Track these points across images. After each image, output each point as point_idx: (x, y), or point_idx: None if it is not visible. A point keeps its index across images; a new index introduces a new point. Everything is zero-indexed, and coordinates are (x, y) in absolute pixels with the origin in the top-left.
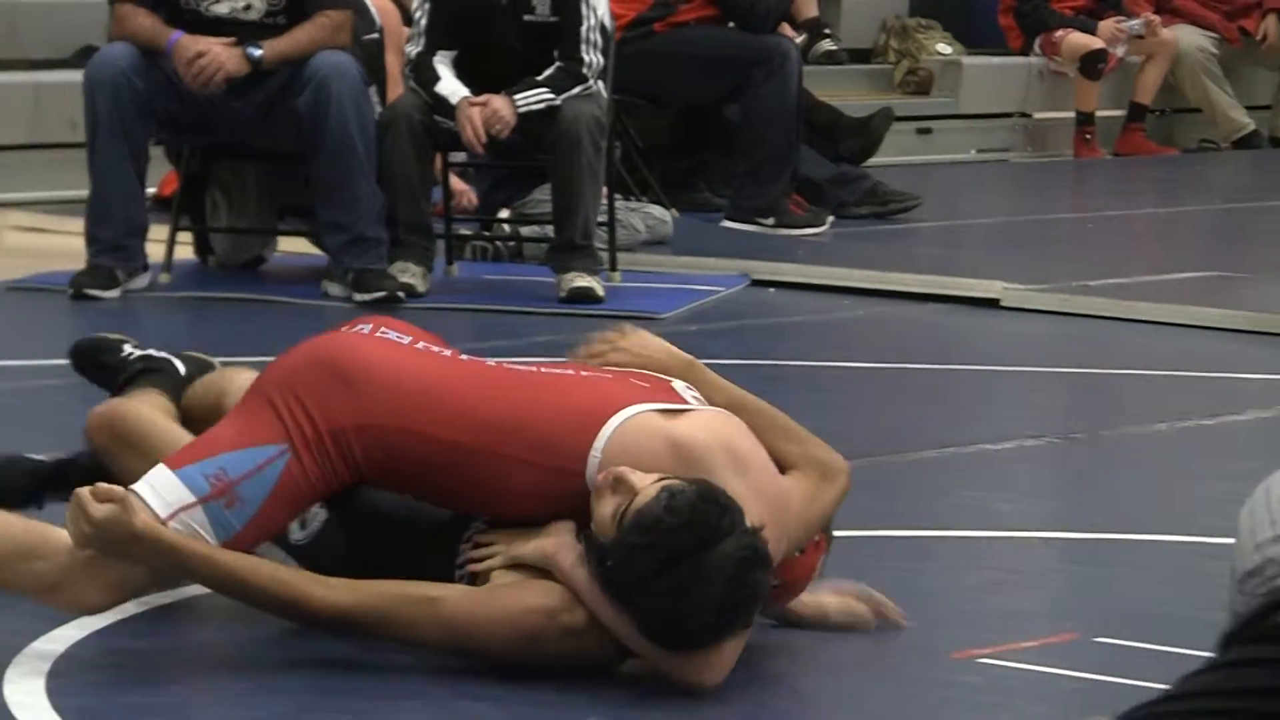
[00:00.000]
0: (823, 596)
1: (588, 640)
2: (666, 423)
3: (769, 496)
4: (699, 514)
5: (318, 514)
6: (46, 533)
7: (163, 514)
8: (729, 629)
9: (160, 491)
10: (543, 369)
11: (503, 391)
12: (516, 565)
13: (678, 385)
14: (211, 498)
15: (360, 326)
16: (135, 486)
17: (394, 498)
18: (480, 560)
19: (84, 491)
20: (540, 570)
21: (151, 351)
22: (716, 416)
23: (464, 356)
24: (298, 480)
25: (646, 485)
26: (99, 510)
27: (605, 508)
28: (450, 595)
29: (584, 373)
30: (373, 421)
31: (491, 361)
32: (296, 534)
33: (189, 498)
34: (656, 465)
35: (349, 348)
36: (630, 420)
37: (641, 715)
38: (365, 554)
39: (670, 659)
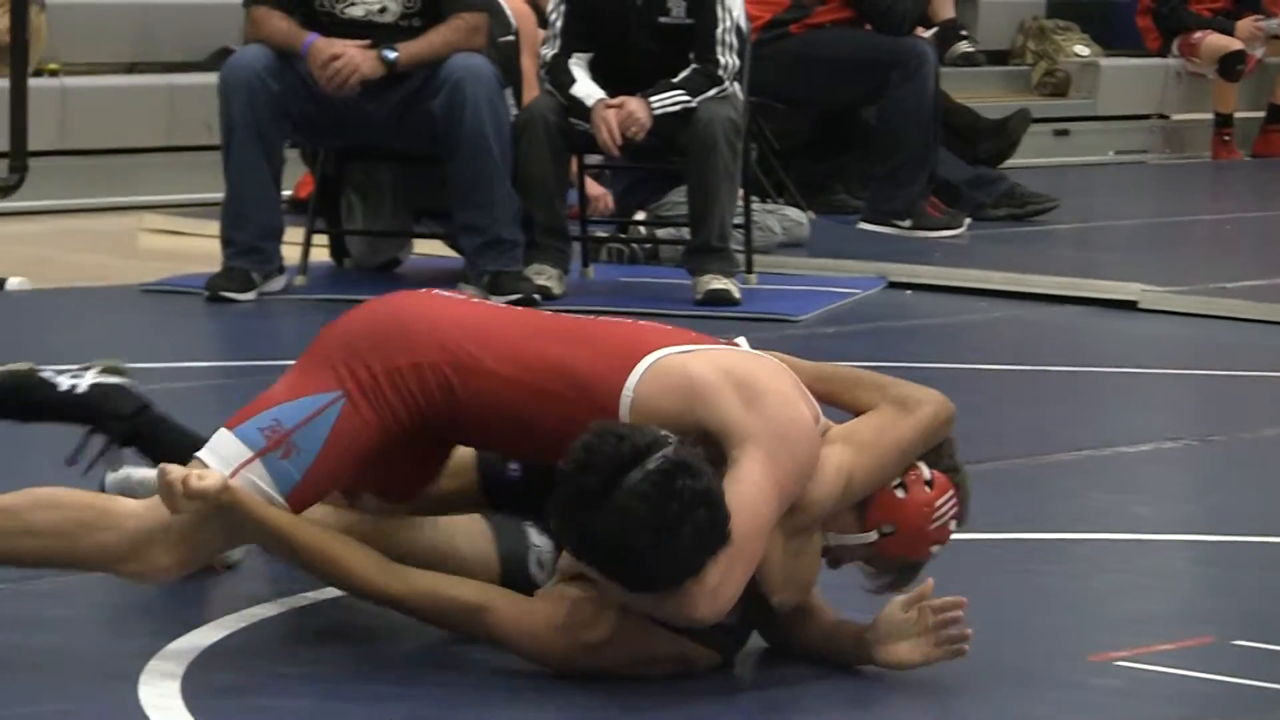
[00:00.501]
0: (899, 652)
1: (610, 655)
2: (683, 358)
3: (779, 425)
4: (590, 451)
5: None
6: (107, 504)
7: (225, 472)
8: (685, 549)
9: (219, 451)
10: (591, 318)
11: (548, 334)
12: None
13: (740, 341)
14: (268, 449)
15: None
16: (199, 453)
17: None
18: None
19: (175, 468)
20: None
21: (102, 381)
22: (737, 353)
23: None
24: (355, 426)
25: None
26: (205, 482)
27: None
28: (495, 605)
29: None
30: (427, 358)
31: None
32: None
33: (246, 452)
34: (672, 401)
35: (401, 298)
36: (658, 362)
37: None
38: None
39: (664, 603)
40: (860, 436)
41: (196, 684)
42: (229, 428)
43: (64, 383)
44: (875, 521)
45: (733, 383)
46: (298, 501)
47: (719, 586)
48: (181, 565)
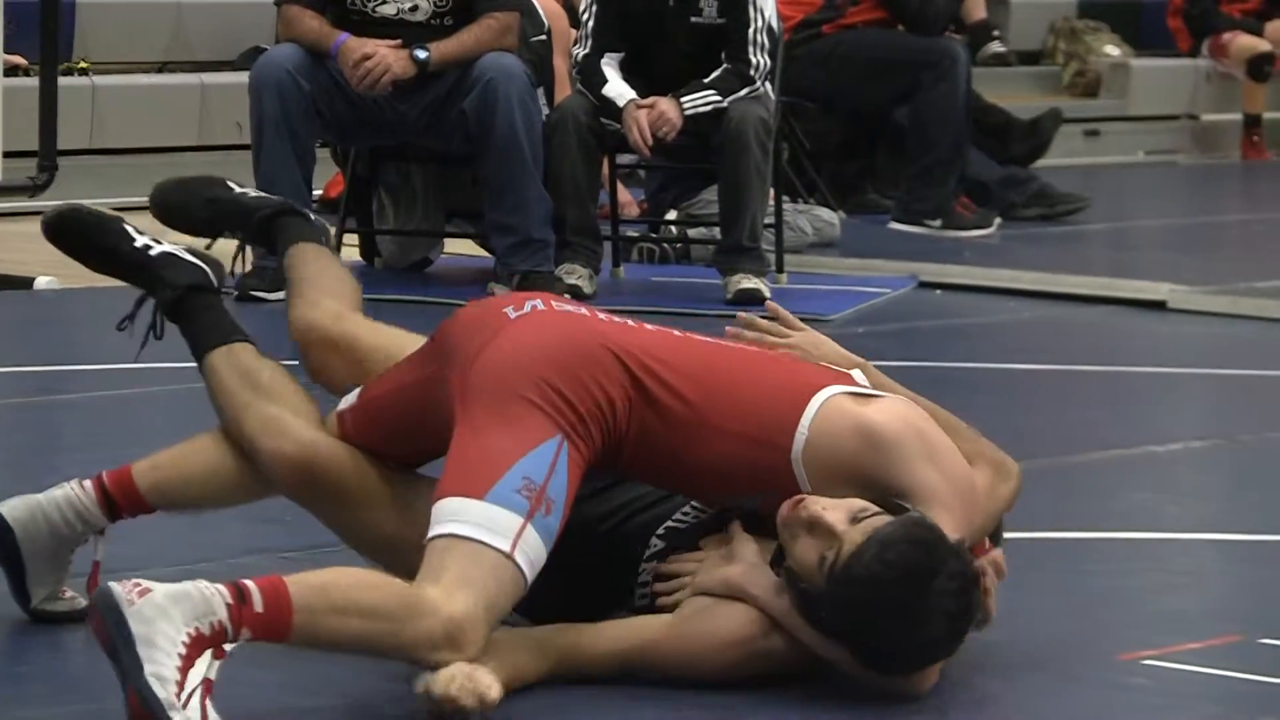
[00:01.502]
0: None
1: (787, 658)
2: (858, 407)
3: (960, 483)
4: (913, 564)
5: None
6: (419, 593)
7: (506, 548)
8: (950, 651)
9: (489, 525)
10: (745, 348)
11: (714, 360)
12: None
13: (857, 375)
14: (534, 511)
15: (533, 303)
16: (457, 530)
17: (574, 513)
18: (667, 593)
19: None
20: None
21: (176, 250)
22: (906, 403)
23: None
24: (577, 464)
25: (849, 531)
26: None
27: (807, 553)
28: (657, 639)
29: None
30: (618, 392)
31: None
32: None
33: (518, 520)
34: (848, 450)
35: (571, 326)
36: (829, 401)
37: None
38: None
39: (884, 680)
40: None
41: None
42: (477, 496)
43: (140, 240)
44: None
45: (916, 435)
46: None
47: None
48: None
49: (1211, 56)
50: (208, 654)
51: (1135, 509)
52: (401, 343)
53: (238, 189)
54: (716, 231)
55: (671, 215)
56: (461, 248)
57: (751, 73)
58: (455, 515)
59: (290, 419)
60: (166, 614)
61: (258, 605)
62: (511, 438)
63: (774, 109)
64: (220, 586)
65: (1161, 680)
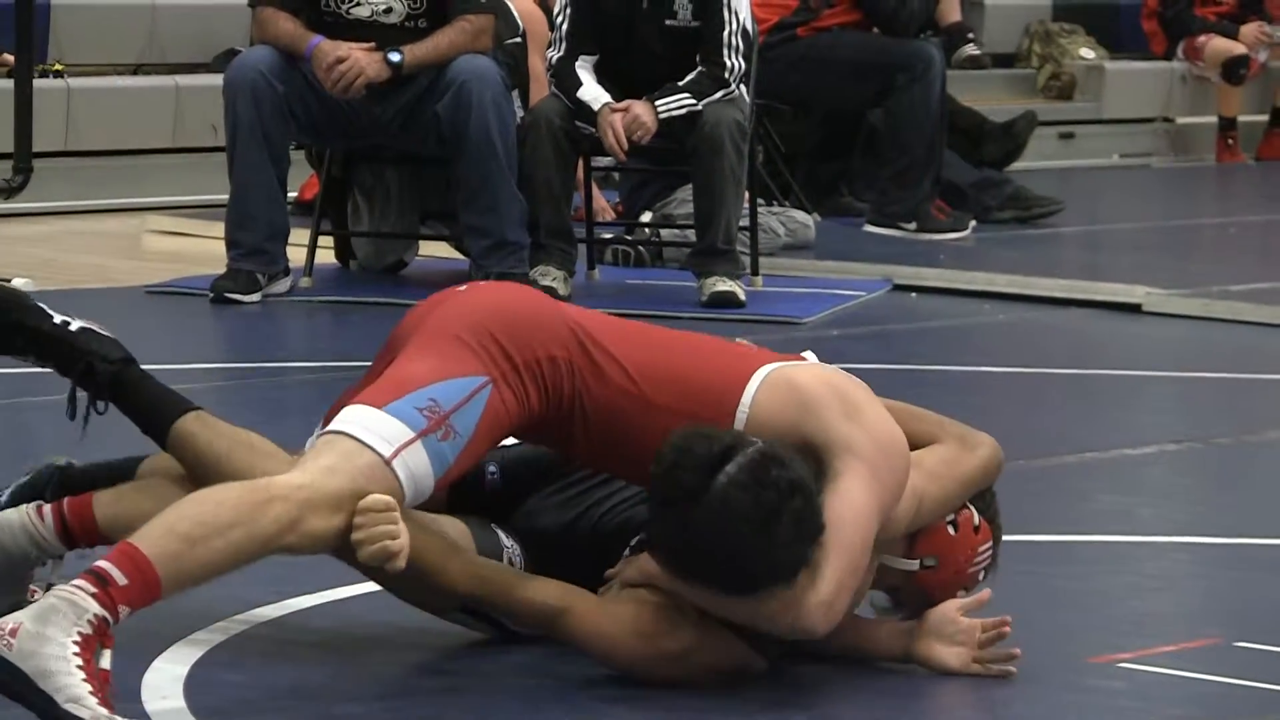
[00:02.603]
0: (942, 655)
1: (690, 663)
2: (790, 371)
3: (881, 439)
4: (682, 451)
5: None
6: (269, 481)
7: (386, 453)
8: (786, 539)
9: (377, 430)
10: (693, 334)
11: (664, 342)
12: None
13: (809, 355)
14: (429, 430)
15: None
16: (343, 427)
17: (555, 520)
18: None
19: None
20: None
21: (93, 326)
22: (835, 370)
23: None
24: (499, 413)
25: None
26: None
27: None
28: (575, 608)
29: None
30: (562, 354)
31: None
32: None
33: (408, 433)
34: (784, 414)
35: (532, 293)
36: (769, 376)
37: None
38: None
39: (771, 613)
40: (929, 465)
41: (199, 685)
42: (376, 405)
43: (58, 317)
44: (922, 552)
45: (836, 394)
46: (443, 484)
47: (833, 599)
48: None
49: (1186, 59)
50: (97, 647)
51: (1109, 512)
52: None
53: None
54: (691, 234)
55: (646, 217)
56: (437, 250)
57: (726, 75)
58: (346, 419)
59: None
60: (44, 638)
61: (120, 580)
62: (429, 366)
63: (749, 111)
64: (79, 581)
65: (1135, 683)
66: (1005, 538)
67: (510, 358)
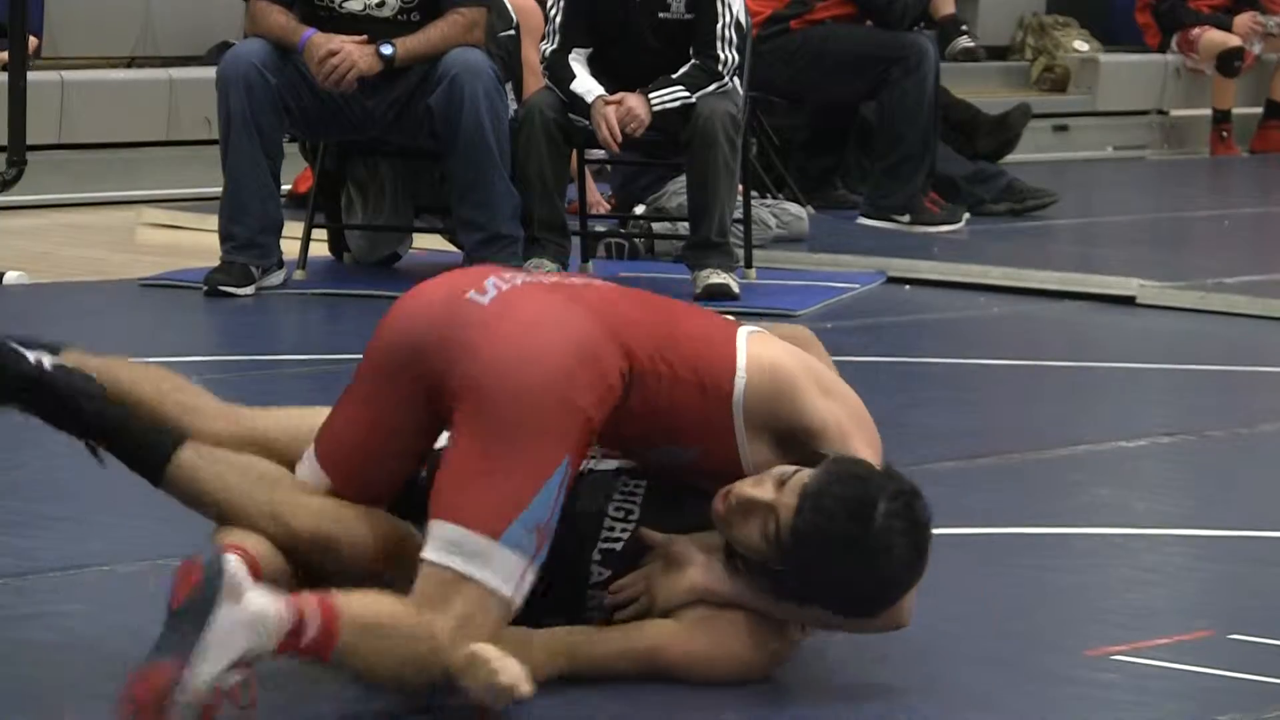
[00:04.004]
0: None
1: (782, 658)
2: (765, 349)
3: (856, 407)
4: (850, 502)
5: None
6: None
7: (510, 593)
8: (919, 571)
9: (501, 571)
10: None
11: (653, 310)
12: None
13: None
14: (536, 553)
15: (492, 282)
16: (469, 570)
17: None
18: (629, 618)
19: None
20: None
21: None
22: (789, 345)
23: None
24: (574, 478)
25: (780, 497)
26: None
27: (750, 534)
28: (669, 645)
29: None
30: (620, 380)
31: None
32: None
33: (524, 563)
34: (770, 388)
35: (570, 315)
36: (749, 352)
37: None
38: None
39: (869, 624)
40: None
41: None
42: (489, 535)
43: (31, 355)
44: None
45: (810, 374)
46: None
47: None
48: None
49: (1180, 52)
50: (239, 673)
51: (1103, 504)
52: (302, 416)
53: None
54: (684, 226)
55: (639, 210)
56: (430, 243)
57: (720, 68)
58: (469, 552)
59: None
60: (238, 631)
61: (308, 636)
62: (525, 470)
63: (742, 104)
64: (281, 615)
65: (1130, 676)
66: (998, 530)
67: (589, 416)
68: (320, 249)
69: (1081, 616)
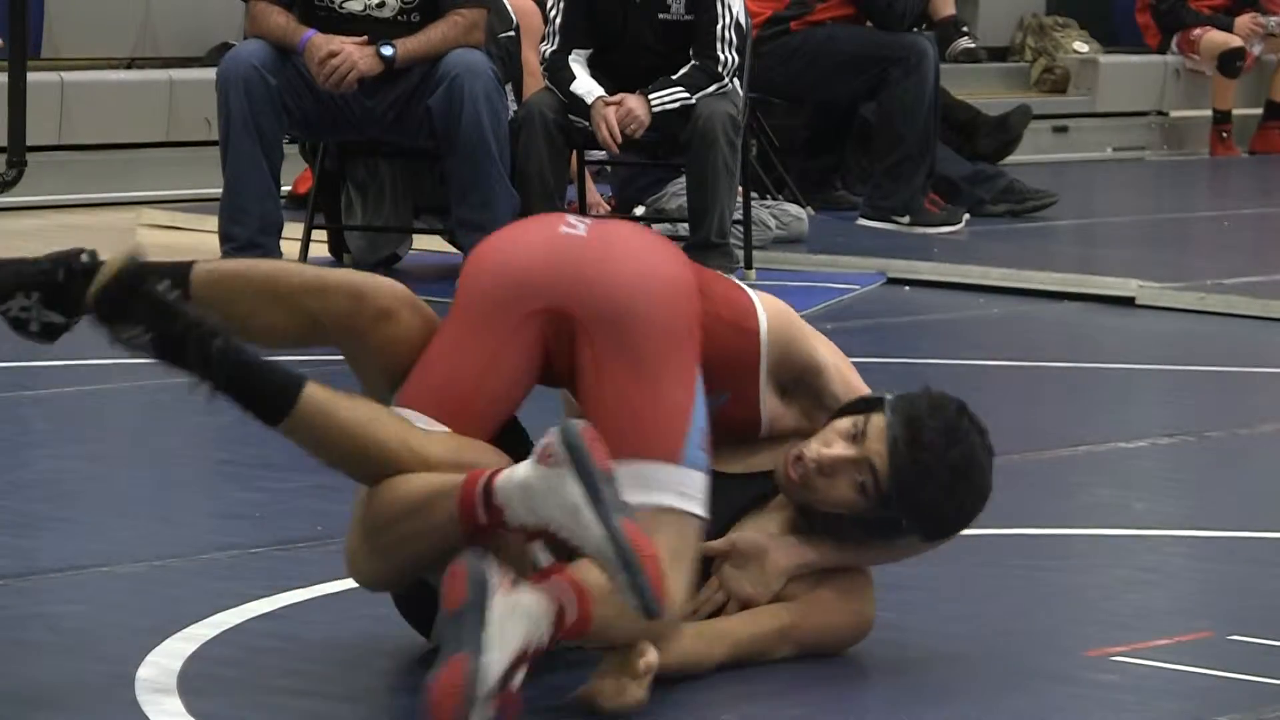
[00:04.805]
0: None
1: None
2: (764, 296)
3: (838, 350)
4: (947, 427)
5: None
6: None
7: (702, 511)
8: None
9: (690, 493)
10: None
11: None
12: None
13: None
14: (709, 458)
15: (573, 219)
16: (663, 501)
17: None
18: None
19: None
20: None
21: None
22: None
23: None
24: None
25: (865, 448)
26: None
27: (842, 491)
28: (795, 621)
29: None
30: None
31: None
32: None
33: (705, 477)
34: (785, 331)
35: (663, 243)
36: (758, 294)
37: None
38: None
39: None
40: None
41: (193, 679)
42: (671, 461)
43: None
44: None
45: (797, 319)
46: None
47: None
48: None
49: (1181, 52)
50: (524, 669)
51: (1103, 505)
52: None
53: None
54: (684, 227)
55: (639, 211)
56: (430, 244)
57: (720, 69)
58: (659, 485)
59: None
60: (515, 620)
61: (569, 620)
62: (678, 384)
63: (742, 105)
64: (548, 604)
65: (1130, 676)
66: (998, 531)
67: (696, 325)
68: (320, 250)
69: (1081, 616)
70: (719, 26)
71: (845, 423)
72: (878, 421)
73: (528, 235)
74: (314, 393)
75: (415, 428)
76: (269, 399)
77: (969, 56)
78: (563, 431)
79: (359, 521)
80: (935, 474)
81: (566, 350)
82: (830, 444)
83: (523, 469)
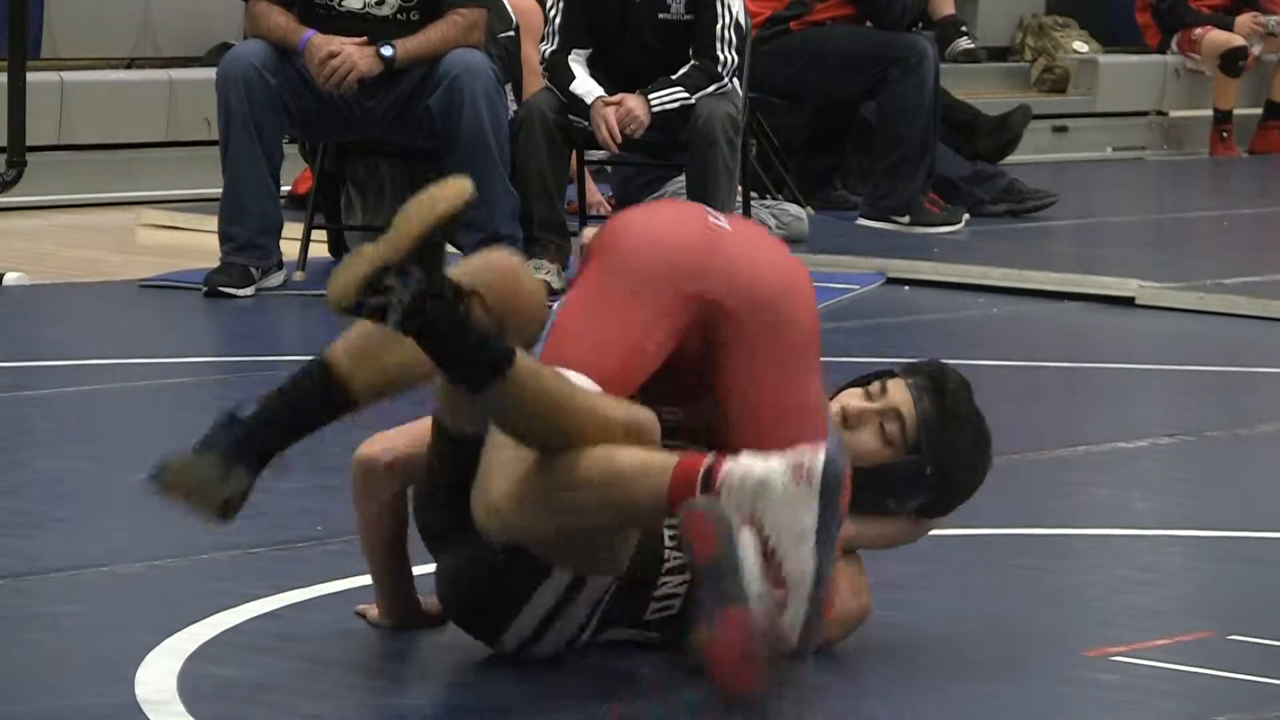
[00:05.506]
0: None
1: None
2: None
3: None
4: (968, 387)
5: None
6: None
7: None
8: None
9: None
10: None
11: None
12: None
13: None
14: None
15: (709, 210)
16: None
17: None
18: None
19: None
20: None
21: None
22: None
23: None
24: None
25: (887, 399)
26: None
27: (863, 440)
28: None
29: None
30: None
31: None
32: None
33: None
34: None
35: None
36: None
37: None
38: None
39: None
40: None
41: (192, 680)
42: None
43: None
44: None
45: None
46: None
47: None
48: None
49: (1181, 52)
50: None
51: (1103, 505)
52: None
53: None
54: None
55: None
56: None
57: (719, 69)
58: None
59: None
60: (756, 565)
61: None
62: (818, 379)
63: (742, 105)
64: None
65: (1130, 676)
66: (998, 531)
67: None
68: (320, 250)
69: (1081, 616)
70: (719, 26)
71: (854, 390)
72: (894, 382)
73: (680, 218)
74: (524, 361)
75: (606, 399)
76: (479, 365)
77: (969, 57)
78: (829, 463)
79: (527, 476)
80: (963, 415)
81: (702, 337)
82: (848, 401)
83: (761, 467)
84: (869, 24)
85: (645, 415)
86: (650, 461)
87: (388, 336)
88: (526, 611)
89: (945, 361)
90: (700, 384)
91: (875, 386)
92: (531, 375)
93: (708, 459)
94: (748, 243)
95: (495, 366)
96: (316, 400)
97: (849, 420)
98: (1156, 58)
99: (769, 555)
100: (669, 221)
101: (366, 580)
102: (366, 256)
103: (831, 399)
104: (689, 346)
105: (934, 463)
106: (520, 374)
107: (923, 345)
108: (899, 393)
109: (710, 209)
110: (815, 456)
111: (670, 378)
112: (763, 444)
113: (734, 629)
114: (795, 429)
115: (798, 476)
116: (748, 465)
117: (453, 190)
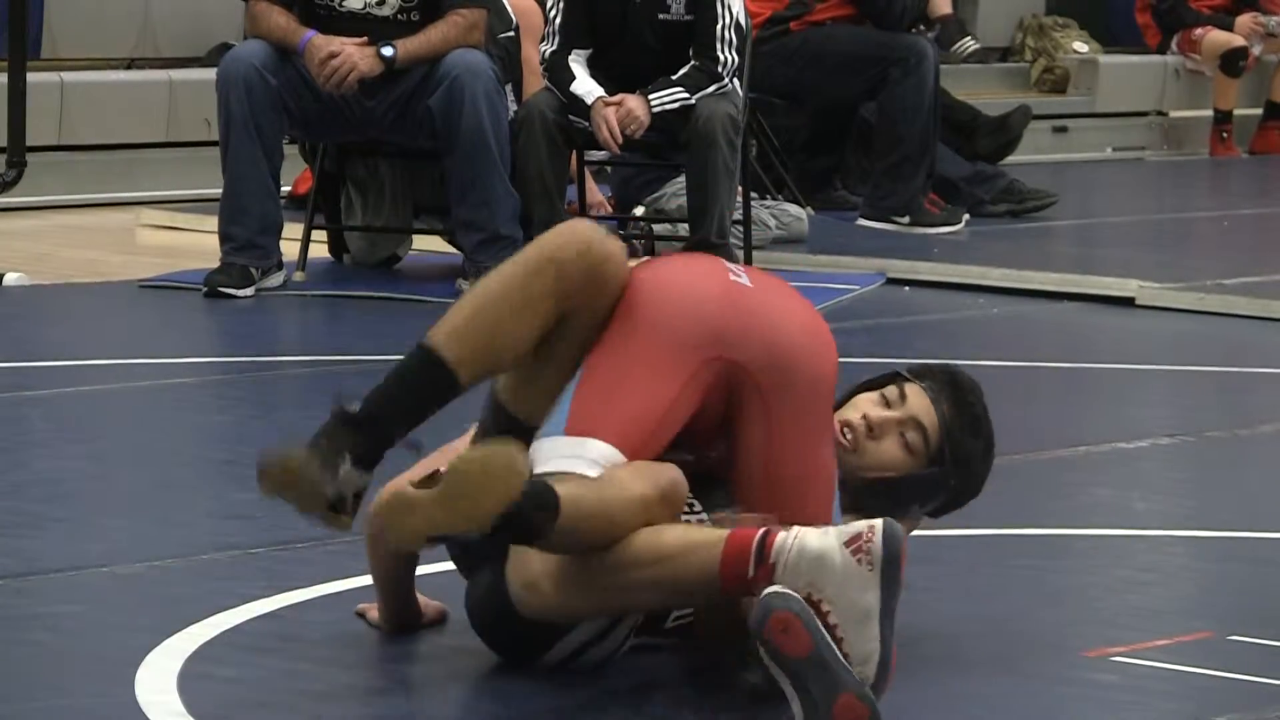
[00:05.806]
0: None
1: None
2: None
3: None
4: (978, 389)
5: None
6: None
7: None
8: None
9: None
10: None
11: None
12: None
13: None
14: None
15: (740, 278)
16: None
17: None
18: None
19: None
20: None
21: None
22: None
23: None
24: None
25: (905, 408)
26: None
27: (886, 449)
28: None
29: None
30: None
31: None
32: None
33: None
34: None
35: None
36: None
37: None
38: None
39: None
40: None
41: (192, 680)
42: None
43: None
44: None
45: None
46: None
47: None
48: None
49: (1181, 52)
50: None
51: (1103, 505)
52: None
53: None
54: (683, 227)
55: (639, 211)
56: (430, 244)
57: (719, 69)
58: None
59: None
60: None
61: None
62: (830, 443)
63: (742, 106)
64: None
65: (1130, 677)
66: (998, 531)
67: None
68: (320, 250)
69: (1081, 617)
70: (719, 27)
71: (870, 395)
72: (911, 387)
73: (707, 278)
74: (567, 495)
75: (637, 477)
76: (537, 521)
77: (977, 58)
78: (887, 537)
79: (570, 560)
80: (982, 422)
81: (723, 396)
82: (865, 411)
83: (817, 540)
84: (869, 24)
85: (673, 476)
86: (697, 538)
87: (488, 318)
88: (562, 643)
89: (948, 362)
90: (717, 434)
91: (893, 392)
92: (572, 504)
93: (758, 534)
94: (769, 299)
95: (540, 530)
96: (426, 388)
97: (872, 430)
98: (1156, 58)
99: (831, 630)
100: (694, 281)
101: (366, 580)
102: (425, 519)
103: (844, 403)
104: (710, 404)
105: (957, 471)
106: (565, 521)
107: (923, 345)
108: (918, 400)
109: (730, 264)
110: (874, 535)
111: (688, 429)
112: (775, 504)
113: (852, 715)
114: (809, 492)
115: (857, 553)
116: (802, 539)
117: (502, 488)
